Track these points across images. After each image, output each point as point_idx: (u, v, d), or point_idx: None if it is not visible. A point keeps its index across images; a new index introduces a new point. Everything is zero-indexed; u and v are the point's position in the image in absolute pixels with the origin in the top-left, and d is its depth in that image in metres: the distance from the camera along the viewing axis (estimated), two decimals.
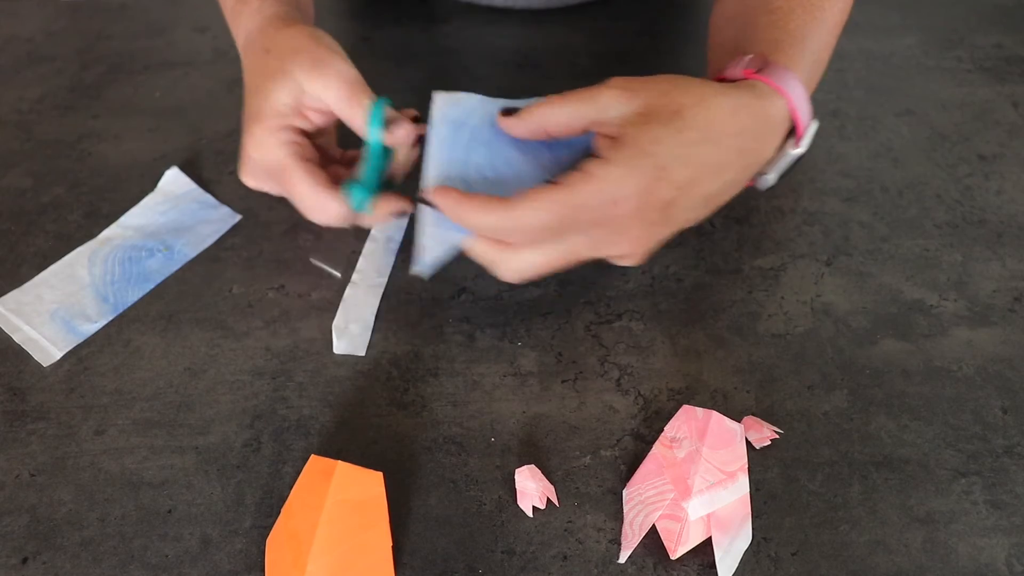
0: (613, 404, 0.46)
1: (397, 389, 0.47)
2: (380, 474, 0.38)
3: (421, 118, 0.49)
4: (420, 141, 0.49)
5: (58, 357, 0.48)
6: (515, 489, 0.42)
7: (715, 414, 0.40)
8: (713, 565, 0.39)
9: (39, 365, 0.48)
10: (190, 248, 0.54)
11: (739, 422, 0.42)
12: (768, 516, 0.41)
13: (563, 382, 0.47)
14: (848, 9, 0.53)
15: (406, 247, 0.54)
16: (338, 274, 0.52)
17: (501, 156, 0.46)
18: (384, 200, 0.48)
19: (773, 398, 0.46)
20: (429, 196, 0.43)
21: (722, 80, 0.47)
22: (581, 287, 0.52)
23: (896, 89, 0.67)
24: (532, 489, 0.41)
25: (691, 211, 0.43)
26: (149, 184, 0.59)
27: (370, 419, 0.45)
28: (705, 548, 0.39)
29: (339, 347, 0.48)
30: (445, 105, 0.47)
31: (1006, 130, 0.63)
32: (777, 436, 0.44)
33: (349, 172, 0.51)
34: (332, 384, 0.47)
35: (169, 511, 0.41)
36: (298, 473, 0.42)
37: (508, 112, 0.46)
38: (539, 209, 0.40)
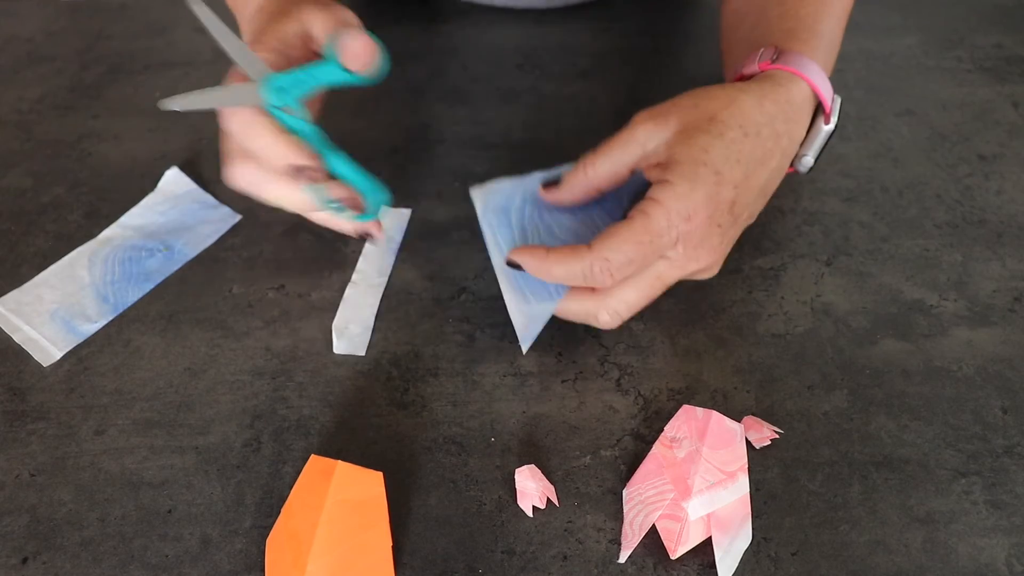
0: (613, 404, 0.46)
1: (397, 389, 0.47)
2: (380, 474, 0.38)
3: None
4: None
5: (58, 357, 0.48)
6: (515, 489, 0.42)
7: (715, 414, 0.40)
8: (713, 565, 0.39)
9: (39, 365, 0.48)
10: (190, 248, 0.54)
11: (739, 422, 0.42)
12: (768, 516, 0.41)
13: (563, 382, 0.47)
14: None
15: (405, 246, 0.54)
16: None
17: (556, 225, 0.48)
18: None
19: (773, 398, 0.46)
20: (513, 258, 0.44)
21: (740, 78, 0.49)
22: None
23: (896, 89, 0.67)
24: (532, 489, 0.41)
25: (751, 206, 0.45)
26: (149, 184, 0.59)
27: (370, 419, 0.45)
28: (705, 548, 0.39)
29: (339, 347, 0.48)
30: (484, 196, 0.50)
31: (1006, 130, 0.63)
32: (777, 436, 0.44)
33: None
34: (332, 384, 0.47)
35: (169, 511, 0.41)
36: (298, 473, 0.42)
37: (550, 184, 0.48)
38: (623, 243, 0.42)
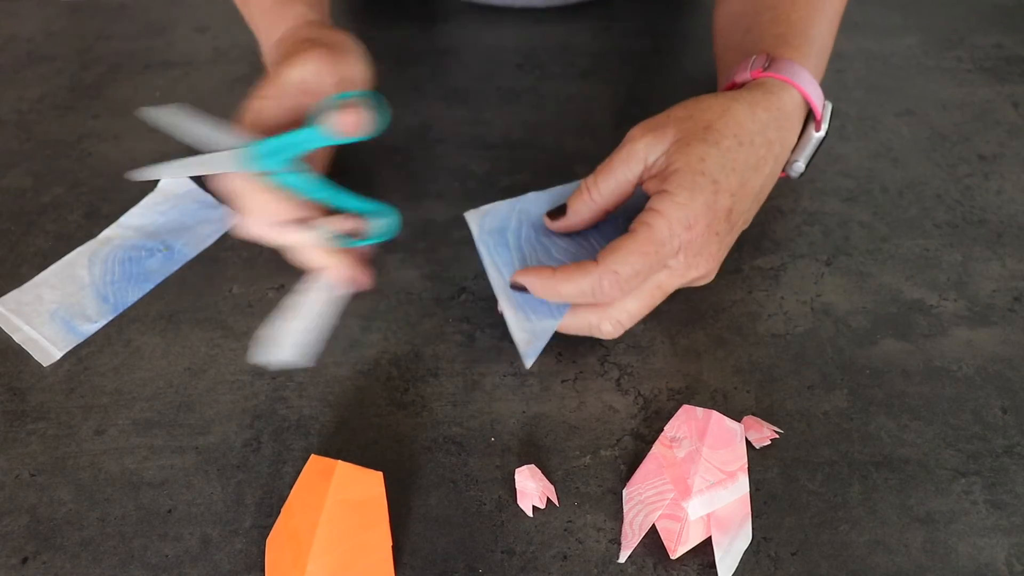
0: (613, 404, 0.46)
1: (397, 389, 0.47)
2: (380, 474, 0.38)
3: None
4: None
5: (58, 357, 0.48)
6: (515, 489, 0.42)
7: (715, 414, 0.40)
8: (713, 565, 0.39)
9: (39, 365, 0.48)
10: (190, 248, 0.54)
11: (739, 422, 0.42)
12: (768, 516, 0.41)
13: (563, 382, 0.47)
14: None
15: (406, 247, 0.54)
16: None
17: (553, 247, 0.48)
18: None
19: (773, 398, 0.46)
20: (518, 280, 0.45)
21: (732, 86, 0.49)
22: None
23: (896, 89, 0.67)
24: (532, 489, 0.41)
25: (746, 212, 0.46)
26: (149, 184, 0.59)
27: (370, 419, 0.45)
28: (705, 548, 0.39)
29: (268, 356, 0.46)
30: (480, 219, 0.50)
31: (1006, 130, 0.63)
32: (777, 436, 0.44)
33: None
34: (332, 384, 0.47)
35: (169, 511, 0.41)
36: (298, 473, 0.42)
37: (556, 213, 0.48)
38: (630, 255, 0.42)
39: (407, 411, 0.46)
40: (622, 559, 0.39)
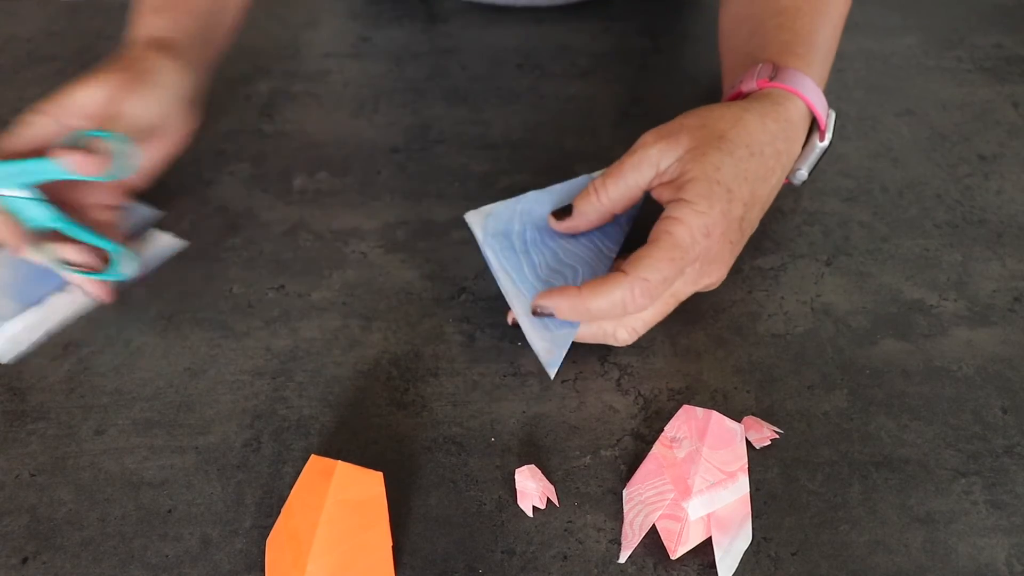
0: (613, 404, 0.46)
1: (397, 389, 0.47)
2: (380, 474, 0.38)
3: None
4: None
5: None
6: (515, 489, 0.42)
7: (715, 414, 0.40)
8: (713, 565, 0.39)
9: (39, 365, 0.48)
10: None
11: (739, 422, 0.42)
12: (768, 516, 0.41)
13: (563, 382, 0.47)
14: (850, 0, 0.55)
15: (406, 247, 0.54)
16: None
17: (560, 250, 0.48)
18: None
19: (773, 398, 0.46)
20: (543, 304, 0.44)
21: (739, 94, 0.50)
22: None
23: (896, 89, 0.67)
24: (532, 489, 0.41)
25: (754, 220, 0.47)
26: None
27: (370, 419, 0.45)
28: (705, 548, 0.39)
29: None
30: (482, 220, 0.49)
31: (1006, 130, 0.63)
32: (777, 436, 0.44)
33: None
34: (332, 384, 0.47)
35: (169, 511, 0.41)
36: (298, 473, 0.42)
37: (561, 213, 0.48)
38: (658, 262, 0.42)
39: (407, 411, 0.46)
40: (622, 559, 0.39)
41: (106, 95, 0.49)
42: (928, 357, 0.48)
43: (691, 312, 0.50)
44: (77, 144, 0.46)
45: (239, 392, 0.46)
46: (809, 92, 0.48)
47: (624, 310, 0.43)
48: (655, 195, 0.46)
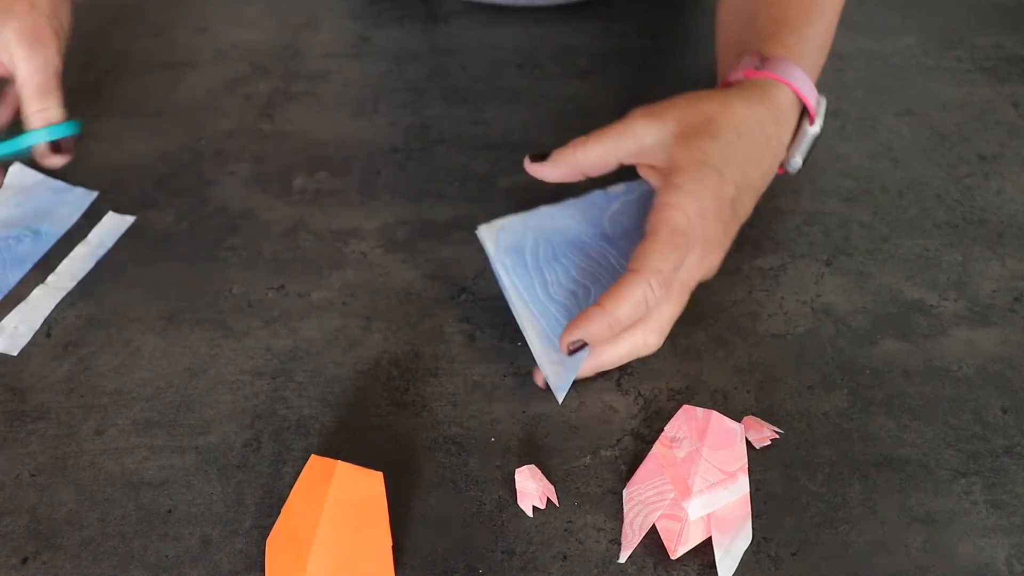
0: (613, 404, 0.46)
1: (397, 389, 0.47)
2: (380, 474, 0.38)
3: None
4: None
5: None
6: (515, 489, 0.42)
7: (715, 414, 0.40)
8: (713, 565, 0.39)
9: (39, 365, 0.48)
10: (57, 228, 0.56)
11: (739, 422, 0.42)
12: (768, 516, 0.41)
13: None
14: None
15: (406, 247, 0.54)
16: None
17: (572, 267, 0.48)
18: None
19: (773, 398, 0.46)
20: (576, 337, 0.42)
21: (727, 85, 0.50)
22: None
23: (896, 89, 0.67)
24: (532, 489, 0.41)
25: (747, 204, 0.48)
26: (149, 184, 0.59)
27: (370, 419, 0.45)
28: (705, 548, 0.39)
29: None
30: (494, 235, 0.49)
31: (1006, 130, 0.63)
32: (777, 436, 0.44)
33: None
34: (332, 384, 0.47)
35: (169, 511, 0.41)
36: (298, 473, 0.42)
37: (537, 156, 0.49)
38: (662, 250, 0.42)
39: (407, 411, 0.46)
40: (622, 559, 0.39)
41: (24, 56, 0.54)
42: (928, 357, 0.48)
43: (691, 312, 0.50)
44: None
45: (239, 392, 0.46)
46: (796, 80, 0.48)
47: (647, 307, 0.43)
48: (643, 174, 0.48)
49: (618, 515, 0.41)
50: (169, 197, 0.58)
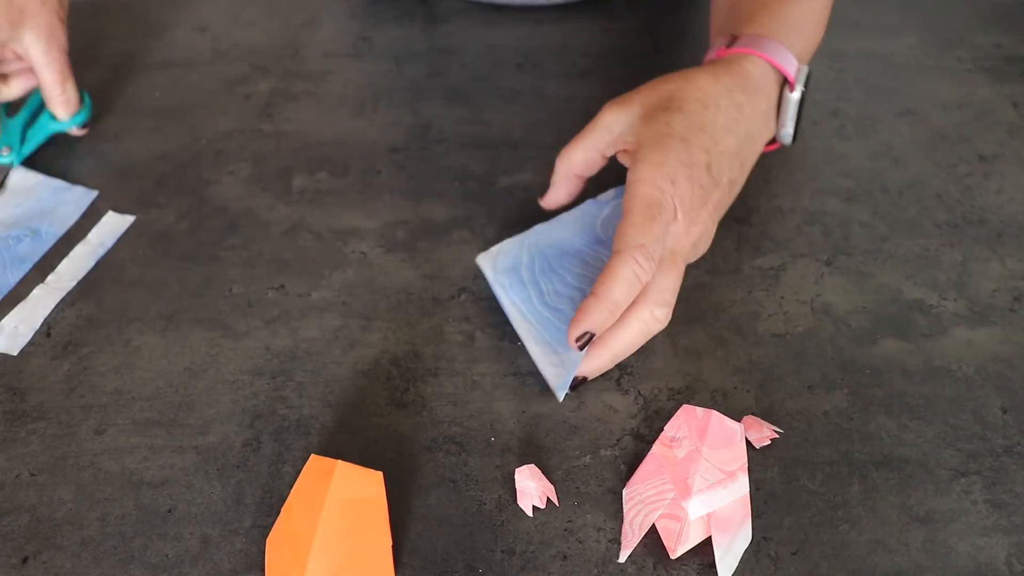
0: (613, 404, 0.46)
1: (397, 389, 0.47)
2: (380, 473, 0.38)
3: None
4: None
5: None
6: (515, 489, 0.42)
7: (715, 414, 0.40)
8: (713, 565, 0.39)
9: (39, 365, 0.48)
10: (56, 228, 0.56)
11: (739, 422, 0.42)
12: (768, 516, 0.41)
13: None
14: None
15: (406, 247, 0.54)
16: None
17: (568, 274, 0.49)
18: None
19: (773, 398, 0.46)
20: (582, 330, 0.43)
21: None
22: None
23: (896, 89, 0.67)
24: (532, 489, 0.41)
25: (729, 169, 0.48)
26: (149, 184, 0.59)
27: (370, 419, 0.45)
28: (705, 548, 0.39)
29: None
30: (492, 260, 0.51)
31: (1006, 130, 0.63)
32: (777, 436, 0.44)
33: None
34: (332, 384, 0.47)
35: (169, 511, 0.41)
36: (298, 473, 0.42)
37: (543, 193, 0.52)
38: (641, 225, 0.43)
39: (407, 411, 0.46)
40: (622, 559, 0.39)
41: (41, 50, 0.57)
42: (928, 357, 0.48)
43: (691, 312, 0.50)
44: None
45: (239, 392, 0.46)
46: (768, 50, 0.49)
47: (640, 283, 0.43)
48: (621, 160, 0.48)
49: (618, 515, 0.41)
50: (169, 197, 0.58)
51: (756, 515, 0.41)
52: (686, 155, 0.45)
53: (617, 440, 0.44)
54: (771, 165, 0.59)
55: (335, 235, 0.55)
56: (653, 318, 0.45)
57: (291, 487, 0.41)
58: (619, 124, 0.48)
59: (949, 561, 0.39)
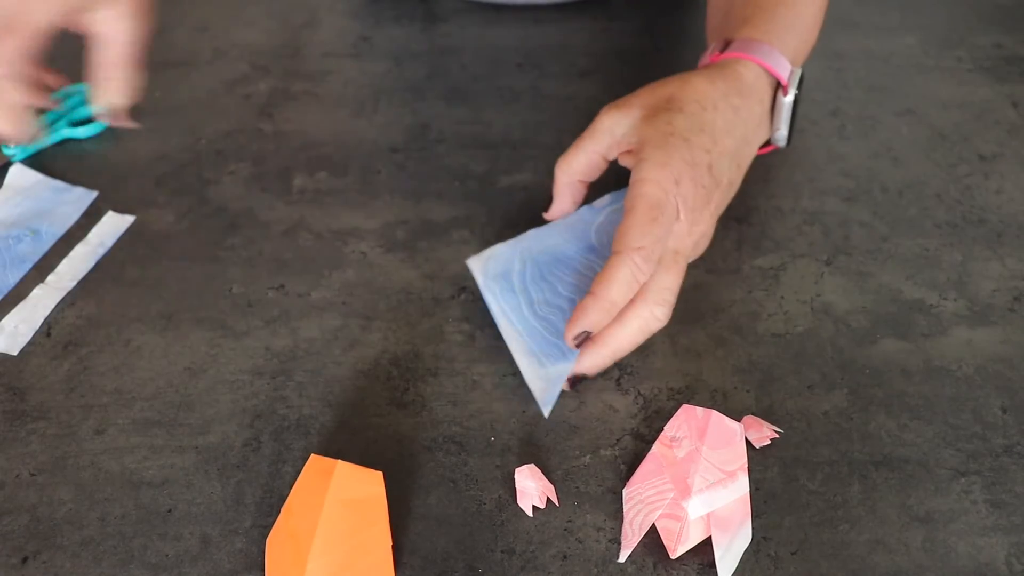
0: (613, 404, 0.46)
1: (397, 389, 0.47)
2: (380, 473, 0.38)
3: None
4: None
5: None
6: (515, 488, 0.42)
7: (715, 413, 0.40)
8: (713, 564, 0.39)
9: (39, 365, 0.48)
10: (56, 228, 0.56)
11: (739, 421, 0.42)
12: (768, 515, 0.41)
13: None
14: None
15: (406, 246, 0.54)
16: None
17: (559, 282, 0.48)
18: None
19: (773, 398, 0.46)
20: (579, 330, 0.43)
21: None
22: None
23: (896, 89, 0.67)
24: (532, 488, 0.41)
25: (728, 172, 0.48)
26: (149, 184, 0.59)
27: (370, 419, 0.45)
28: (705, 547, 0.39)
29: None
30: (483, 265, 0.50)
31: (1006, 130, 0.63)
32: (777, 436, 0.44)
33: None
34: (332, 384, 0.47)
35: (169, 511, 0.41)
36: (298, 473, 0.42)
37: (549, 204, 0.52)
38: (641, 226, 0.43)
39: (407, 411, 0.46)
40: (622, 559, 0.39)
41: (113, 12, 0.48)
42: (928, 357, 0.48)
43: (691, 312, 0.50)
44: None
45: (239, 392, 0.46)
46: (762, 54, 0.50)
47: (638, 283, 0.43)
48: (622, 163, 0.48)
49: (618, 514, 0.41)
50: (169, 197, 0.58)
51: (756, 515, 0.41)
52: (689, 155, 0.45)
53: (617, 440, 0.44)
54: (771, 165, 0.59)
55: (335, 235, 0.55)
56: (653, 316, 0.45)
57: (291, 487, 0.41)
58: (620, 127, 0.48)
59: (949, 561, 0.39)
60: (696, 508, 0.38)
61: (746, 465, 0.40)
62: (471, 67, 0.70)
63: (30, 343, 0.49)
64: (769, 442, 0.44)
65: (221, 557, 0.40)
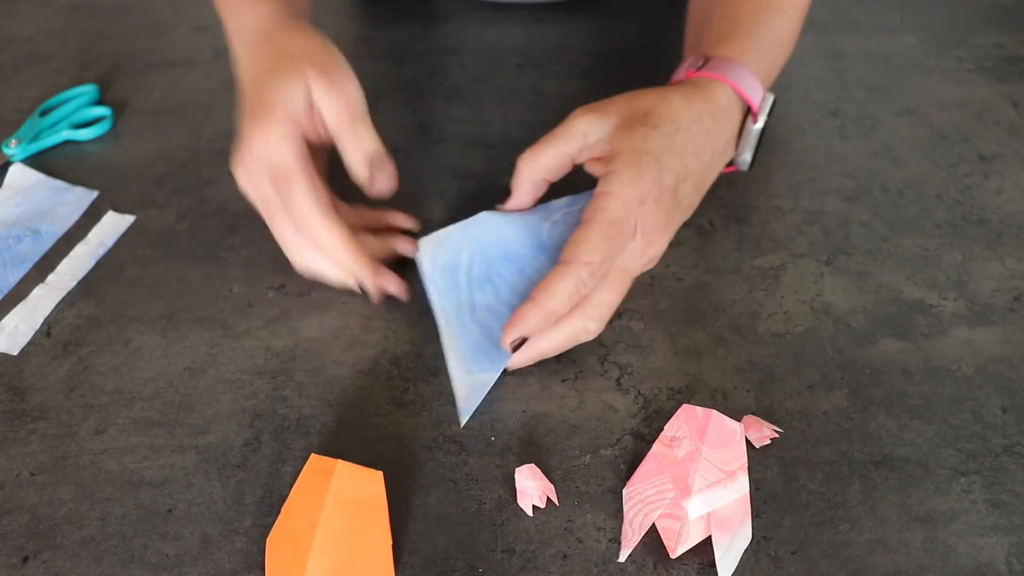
0: (613, 403, 0.46)
1: (397, 388, 0.47)
2: (380, 473, 0.38)
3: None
4: None
5: None
6: (515, 488, 0.42)
7: (715, 413, 0.40)
8: (713, 564, 0.39)
9: (39, 365, 0.48)
10: (56, 228, 0.56)
11: (739, 421, 0.42)
12: (768, 515, 0.41)
13: (563, 381, 0.47)
14: None
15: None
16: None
17: (504, 285, 0.48)
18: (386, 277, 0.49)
19: (773, 397, 0.46)
20: (515, 336, 0.43)
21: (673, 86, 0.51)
22: None
23: (896, 89, 0.67)
24: (532, 488, 0.41)
25: (690, 195, 0.48)
26: (149, 184, 0.59)
27: (370, 418, 0.45)
28: (705, 547, 0.39)
29: None
30: (432, 250, 0.50)
31: (1006, 130, 0.63)
32: (777, 435, 0.44)
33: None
34: (332, 383, 0.47)
35: (169, 510, 0.41)
36: (298, 472, 0.42)
37: (503, 198, 0.51)
38: (594, 242, 0.43)
39: (407, 411, 0.46)
40: (622, 558, 0.39)
41: (315, 91, 0.47)
42: (928, 357, 0.48)
43: (691, 312, 0.50)
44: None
45: (239, 391, 0.46)
46: (738, 78, 0.49)
47: (579, 294, 0.44)
48: (588, 169, 0.48)
49: (618, 514, 0.41)
50: (169, 197, 0.58)
51: (756, 515, 0.41)
52: (659, 176, 0.45)
53: (617, 440, 0.44)
54: (771, 165, 0.59)
55: None
56: (585, 329, 0.45)
57: (291, 487, 0.41)
58: (594, 132, 0.47)
59: (949, 561, 0.39)
60: (696, 508, 0.38)
61: (746, 465, 0.40)
62: (471, 67, 0.69)
63: (30, 343, 0.49)
64: (769, 442, 0.44)
65: (221, 557, 0.40)
